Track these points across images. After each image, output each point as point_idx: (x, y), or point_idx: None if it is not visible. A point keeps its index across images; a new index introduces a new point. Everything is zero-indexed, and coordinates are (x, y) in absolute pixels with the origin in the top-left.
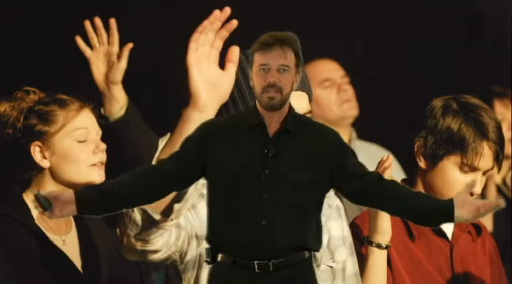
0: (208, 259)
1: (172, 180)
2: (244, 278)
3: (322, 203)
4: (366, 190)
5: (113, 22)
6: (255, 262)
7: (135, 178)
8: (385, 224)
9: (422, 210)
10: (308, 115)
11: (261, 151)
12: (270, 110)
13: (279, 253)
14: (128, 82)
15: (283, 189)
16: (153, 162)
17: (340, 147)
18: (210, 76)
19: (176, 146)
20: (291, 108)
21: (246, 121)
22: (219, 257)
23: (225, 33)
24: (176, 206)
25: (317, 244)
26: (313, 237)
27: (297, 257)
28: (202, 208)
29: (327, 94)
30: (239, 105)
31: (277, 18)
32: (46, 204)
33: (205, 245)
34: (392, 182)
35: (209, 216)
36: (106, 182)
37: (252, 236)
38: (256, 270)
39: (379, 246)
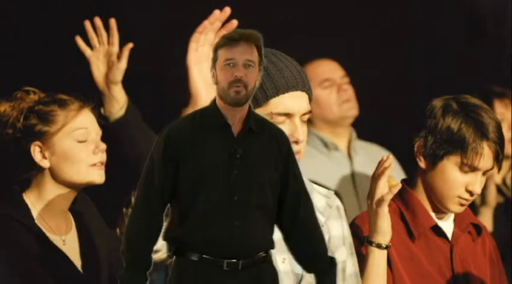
0: (169, 253)
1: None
2: (212, 275)
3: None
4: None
5: (113, 22)
6: (225, 260)
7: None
8: (385, 225)
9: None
10: (308, 115)
11: (227, 151)
12: (235, 106)
13: (249, 252)
14: (128, 82)
15: (252, 189)
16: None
17: (291, 151)
18: (210, 76)
19: None
20: (250, 107)
21: (209, 121)
22: (185, 253)
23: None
24: None
25: (274, 244)
26: (272, 237)
27: (263, 257)
28: None
29: (327, 94)
30: None
31: (277, 18)
32: None
33: (163, 240)
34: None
35: (177, 216)
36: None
37: (224, 237)
38: (225, 268)
39: (379, 246)
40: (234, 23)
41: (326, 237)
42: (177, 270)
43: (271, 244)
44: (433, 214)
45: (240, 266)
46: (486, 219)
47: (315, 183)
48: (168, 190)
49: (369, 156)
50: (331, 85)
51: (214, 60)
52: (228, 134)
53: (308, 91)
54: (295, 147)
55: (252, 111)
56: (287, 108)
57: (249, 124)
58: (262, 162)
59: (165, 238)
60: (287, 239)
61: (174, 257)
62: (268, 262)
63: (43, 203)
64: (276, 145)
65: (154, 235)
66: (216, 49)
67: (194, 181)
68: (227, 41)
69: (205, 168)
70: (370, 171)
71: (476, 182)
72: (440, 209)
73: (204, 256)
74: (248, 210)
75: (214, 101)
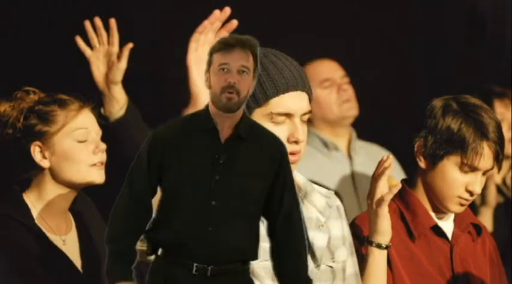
0: (148, 251)
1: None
2: (183, 278)
3: (262, 211)
4: (280, 216)
5: (113, 22)
6: (194, 264)
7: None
8: (385, 225)
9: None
10: (308, 115)
11: (212, 156)
12: (226, 112)
13: (220, 259)
14: (128, 82)
15: (232, 196)
16: None
17: (285, 161)
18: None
19: None
20: (244, 113)
21: (198, 125)
22: (160, 252)
23: (225, 33)
24: None
25: (255, 255)
26: (253, 247)
27: (237, 268)
28: None
29: (327, 94)
30: None
31: (276, 18)
32: None
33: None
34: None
35: (158, 217)
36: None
37: (197, 241)
38: (194, 272)
39: (379, 246)
40: (234, 23)
41: (326, 237)
42: (150, 269)
43: (251, 255)
44: (433, 214)
45: (209, 272)
46: (486, 219)
47: (315, 183)
48: (150, 192)
49: (369, 156)
50: (331, 85)
51: (209, 63)
52: (214, 139)
53: (308, 91)
54: (295, 147)
55: (245, 117)
56: (287, 108)
57: (238, 130)
58: (250, 169)
59: (145, 237)
60: (271, 249)
61: (153, 256)
62: (244, 274)
63: (43, 203)
64: (269, 154)
65: (137, 233)
66: (211, 53)
67: (175, 184)
68: (223, 46)
69: (187, 171)
70: (370, 171)
71: (476, 182)
72: (440, 209)
73: (177, 258)
74: (226, 216)
75: (207, 105)
